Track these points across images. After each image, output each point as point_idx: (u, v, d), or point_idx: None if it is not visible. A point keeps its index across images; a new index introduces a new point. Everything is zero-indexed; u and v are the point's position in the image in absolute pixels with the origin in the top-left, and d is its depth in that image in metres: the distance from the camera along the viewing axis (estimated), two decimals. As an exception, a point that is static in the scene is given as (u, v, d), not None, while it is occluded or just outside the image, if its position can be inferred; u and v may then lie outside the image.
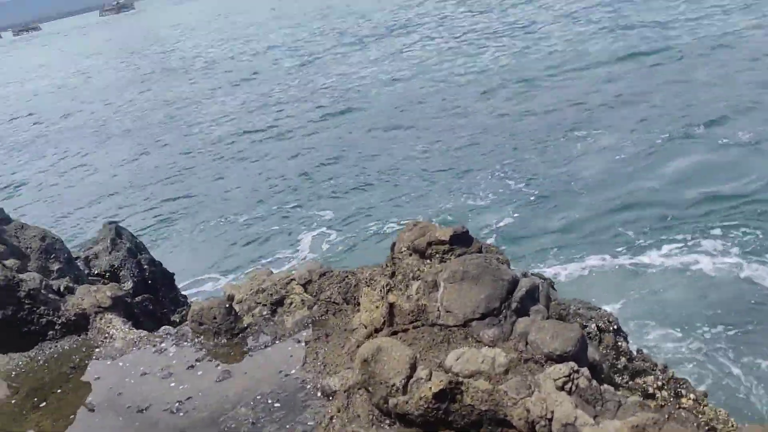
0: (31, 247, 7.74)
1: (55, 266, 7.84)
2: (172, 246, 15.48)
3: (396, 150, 18.91)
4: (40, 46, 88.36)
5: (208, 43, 34.50)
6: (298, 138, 20.45)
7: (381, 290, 5.20)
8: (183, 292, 10.58)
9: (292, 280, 6.87)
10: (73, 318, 6.99)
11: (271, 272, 7.47)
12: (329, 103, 23.75)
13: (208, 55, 27.90)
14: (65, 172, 16.81)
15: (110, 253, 8.99)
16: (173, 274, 9.94)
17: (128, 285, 8.70)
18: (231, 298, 7.04)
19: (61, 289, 7.39)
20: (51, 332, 6.89)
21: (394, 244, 5.77)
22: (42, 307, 6.88)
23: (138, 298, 8.15)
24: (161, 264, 9.92)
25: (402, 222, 14.30)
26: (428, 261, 5.39)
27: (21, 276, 7.00)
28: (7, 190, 20.85)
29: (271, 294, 6.76)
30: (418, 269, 5.32)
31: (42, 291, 6.99)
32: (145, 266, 9.34)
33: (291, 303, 6.66)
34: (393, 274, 5.48)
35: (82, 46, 59.40)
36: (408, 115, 21.50)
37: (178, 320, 8.60)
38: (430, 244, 5.41)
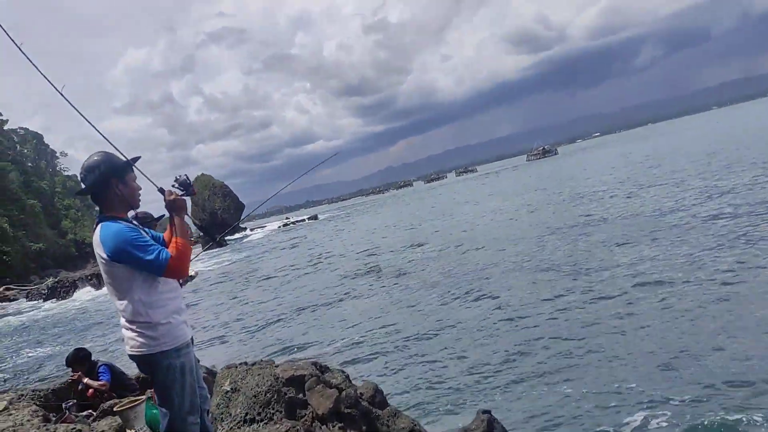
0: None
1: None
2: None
3: None
4: (472, 183, 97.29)
5: (613, 189, 30.06)
6: None
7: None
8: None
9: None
10: None
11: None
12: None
13: (615, 203, 23.71)
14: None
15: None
16: None
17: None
18: None
19: None
20: None
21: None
22: None
23: None
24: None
25: None
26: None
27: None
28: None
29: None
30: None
31: None
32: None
33: None
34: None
35: (508, 185, 61.39)
36: None
37: None
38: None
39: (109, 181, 3.52)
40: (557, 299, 11.66)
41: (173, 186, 3.79)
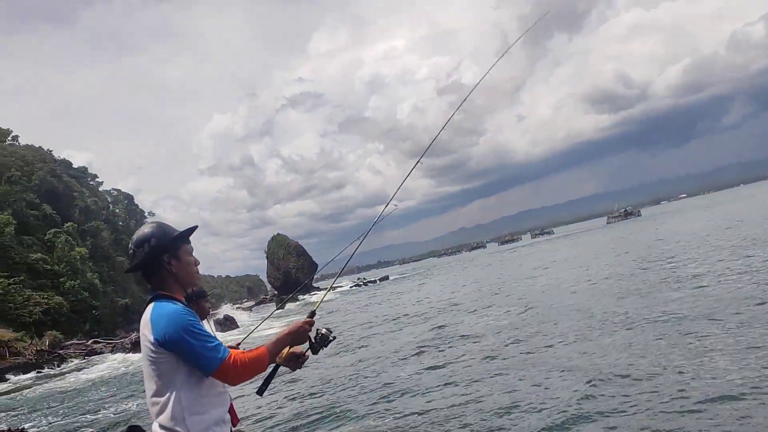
0: None
1: None
2: None
3: None
4: (548, 246, 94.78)
5: (703, 257, 27.93)
6: None
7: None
8: None
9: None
10: None
11: None
12: None
13: (699, 268, 21.88)
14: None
15: None
16: None
17: None
18: None
19: None
20: None
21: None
22: None
23: None
24: None
25: None
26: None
27: None
28: None
29: None
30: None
31: None
32: None
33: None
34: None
35: (586, 249, 59.23)
36: None
37: None
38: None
39: (161, 257, 3.10)
40: (635, 382, 10.83)
41: (319, 329, 3.37)
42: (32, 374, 39.53)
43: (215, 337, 2.96)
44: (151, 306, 3.02)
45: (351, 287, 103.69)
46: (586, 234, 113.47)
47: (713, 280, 19.65)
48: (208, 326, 5.54)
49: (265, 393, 3.44)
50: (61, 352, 46.33)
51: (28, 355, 43.59)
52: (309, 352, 3.36)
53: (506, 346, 16.41)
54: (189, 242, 3.28)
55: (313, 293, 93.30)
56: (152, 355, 2.89)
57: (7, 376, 38.84)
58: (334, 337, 3.40)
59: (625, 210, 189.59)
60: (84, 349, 49.64)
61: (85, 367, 38.86)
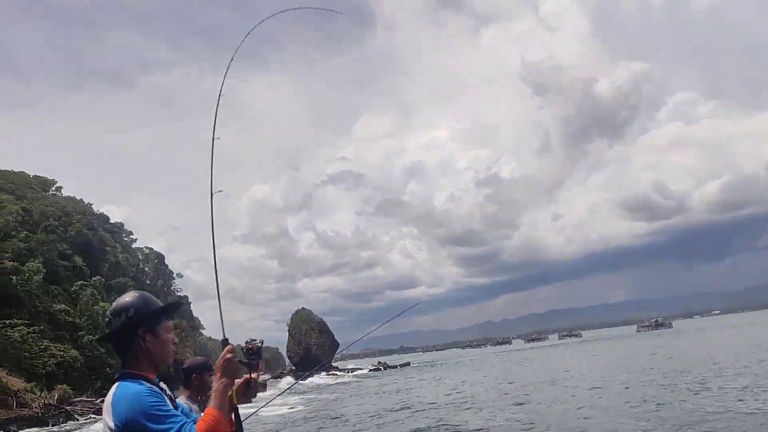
0: None
1: None
2: None
3: None
4: (576, 349, 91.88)
5: (735, 378, 26.30)
6: None
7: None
8: None
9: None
10: None
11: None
12: None
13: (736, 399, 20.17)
14: None
15: None
16: None
17: None
18: None
19: None
20: None
21: None
22: None
23: None
24: None
25: None
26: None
27: None
28: None
29: None
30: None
31: None
32: None
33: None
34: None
35: (615, 357, 57.11)
36: None
37: None
38: None
39: (136, 330, 2.87)
40: None
41: (242, 347, 3.13)
42: (35, 429, 38.69)
43: (180, 416, 2.69)
44: (114, 387, 2.80)
45: (370, 370, 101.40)
46: (615, 341, 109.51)
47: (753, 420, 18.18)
48: (198, 405, 5.09)
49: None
50: (68, 408, 45.45)
51: (35, 408, 42.84)
52: (255, 374, 3.11)
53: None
54: (171, 318, 3.05)
55: (331, 372, 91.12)
56: None
57: (11, 427, 38.04)
58: (261, 341, 3.14)
59: (656, 320, 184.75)
60: (91, 407, 48.66)
61: (89, 424, 37.93)
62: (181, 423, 2.65)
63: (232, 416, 2.93)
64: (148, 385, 2.80)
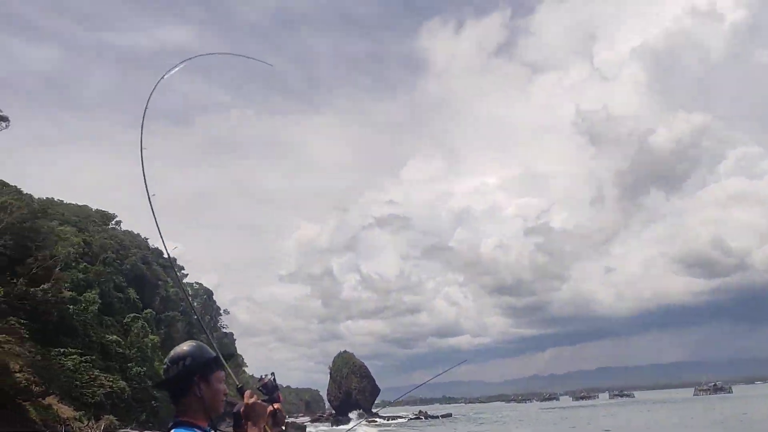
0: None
1: None
2: None
3: None
4: (628, 411, 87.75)
5: None
6: None
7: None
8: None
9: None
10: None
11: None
12: None
13: None
14: None
15: None
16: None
17: None
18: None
19: None
20: None
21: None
22: None
23: None
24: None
25: None
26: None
27: None
28: None
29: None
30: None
31: None
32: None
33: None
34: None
35: (673, 424, 54.39)
36: None
37: None
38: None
39: (192, 378, 3.02)
40: None
41: (258, 387, 3.35)
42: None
43: None
44: None
45: (410, 419, 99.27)
46: (671, 405, 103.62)
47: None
48: None
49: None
50: (112, 439, 45.90)
51: (82, 437, 43.42)
52: (276, 404, 3.32)
53: None
54: (223, 369, 3.21)
55: (371, 420, 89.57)
56: None
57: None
58: (273, 374, 3.42)
59: (715, 384, 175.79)
60: (135, 440, 49.07)
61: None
62: None
63: None
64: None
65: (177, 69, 4.31)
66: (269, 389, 3.34)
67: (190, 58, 4.57)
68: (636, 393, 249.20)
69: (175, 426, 2.96)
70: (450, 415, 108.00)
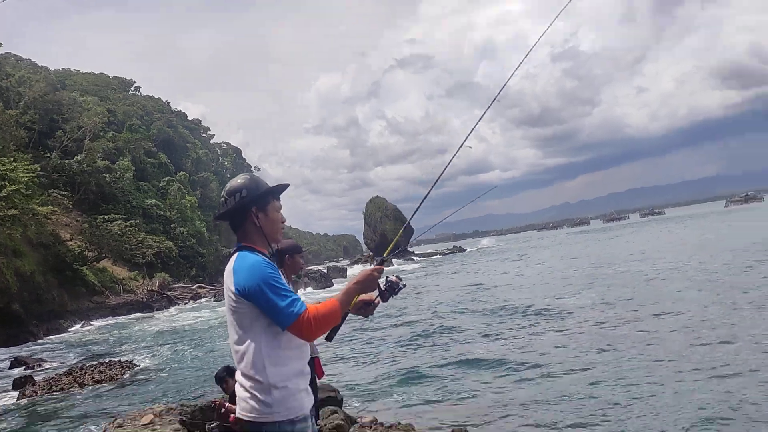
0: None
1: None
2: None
3: None
4: (659, 227, 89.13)
5: None
6: None
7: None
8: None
9: None
10: None
11: None
12: None
13: None
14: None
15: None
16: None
17: None
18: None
19: None
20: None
21: None
22: None
23: None
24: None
25: None
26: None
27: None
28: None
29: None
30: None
31: None
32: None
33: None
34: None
35: (692, 235, 55.30)
36: None
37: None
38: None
39: (250, 209, 3.14)
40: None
41: (388, 277, 3.32)
42: (142, 313, 42.54)
43: (294, 293, 2.96)
44: (234, 256, 3.07)
45: (445, 255, 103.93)
46: (700, 218, 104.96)
47: None
48: (292, 284, 5.32)
49: (334, 339, 3.45)
50: (169, 293, 49.50)
51: (140, 294, 46.92)
52: (379, 300, 3.33)
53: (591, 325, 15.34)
54: (279, 199, 3.30)
55: (407, 258, 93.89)
56: (233, 304, 2.96)
57: (120, 312, 42.03)
58: (404, 285, 3.36)
59: (747, 195, 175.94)
60: (189, 293, 52.85)
61: (191, 310, 41.23)
62: (296, 298, 2.90)
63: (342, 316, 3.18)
64: (264, 257, 3.06)
65: None
66: (390, 287, 3.28)
67: None
68: (667, 210, 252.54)
69: (239, 250, 3.09)
70: (482, 248, 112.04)
